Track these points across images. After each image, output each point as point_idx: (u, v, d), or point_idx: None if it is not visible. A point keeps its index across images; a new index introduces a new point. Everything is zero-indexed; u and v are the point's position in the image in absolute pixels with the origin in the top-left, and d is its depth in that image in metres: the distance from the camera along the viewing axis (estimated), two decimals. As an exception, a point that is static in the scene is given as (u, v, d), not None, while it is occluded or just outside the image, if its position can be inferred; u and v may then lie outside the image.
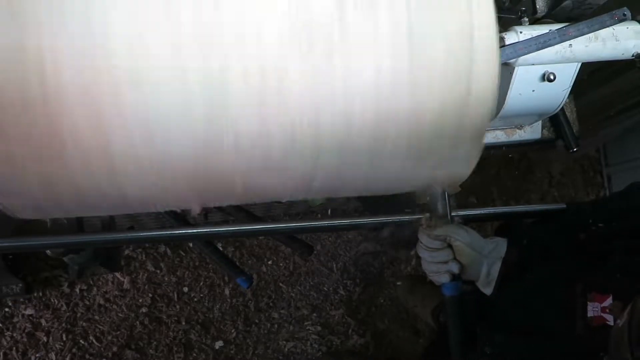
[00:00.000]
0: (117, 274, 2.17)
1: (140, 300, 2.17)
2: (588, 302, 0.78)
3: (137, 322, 2.14)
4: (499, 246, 1.01)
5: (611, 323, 0.74)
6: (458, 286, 1.02)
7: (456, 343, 1.04)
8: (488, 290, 1.01)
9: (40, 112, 0.63)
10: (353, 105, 0.69)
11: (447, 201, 1.05)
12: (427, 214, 1.04)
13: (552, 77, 1.00)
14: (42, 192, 0.70)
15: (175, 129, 0.66)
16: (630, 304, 0.63)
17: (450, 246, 1.00)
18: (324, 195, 0.87)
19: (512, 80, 1.00)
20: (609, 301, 0.77)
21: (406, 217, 1.08)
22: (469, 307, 1.07)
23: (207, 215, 1.86)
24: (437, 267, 1.02)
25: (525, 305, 0.93)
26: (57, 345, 2.06)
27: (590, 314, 0.78)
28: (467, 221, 1.10)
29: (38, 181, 0.68)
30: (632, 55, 0.98)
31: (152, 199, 0.76)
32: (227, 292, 2.24)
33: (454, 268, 1.00)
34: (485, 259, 1.00)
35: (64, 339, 2.07)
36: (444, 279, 1.01)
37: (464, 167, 0.82)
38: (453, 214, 1.06)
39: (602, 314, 0.77)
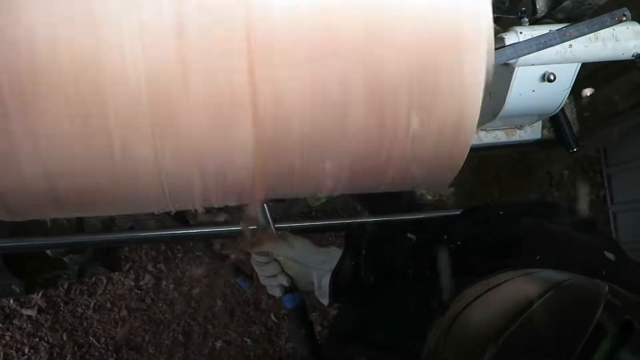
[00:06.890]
0: (117, 274, 2.17)
1: (140, 300, 2.17)
2: None
3: (137, 322, 2.14)
4: (333, 257, 0.99)
5: None
6: (297, 297, 1.02)
7: (304, 353, 1.04)
8: (325, 301, 1.00)
9: None
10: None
11: (267, 214, 1.02)
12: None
13: (552, 77, 0.99)
14: None
15: None
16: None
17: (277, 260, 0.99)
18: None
19: (512, 80, 1.00)
20: None
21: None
22: (342, 319, 1.06)
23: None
24: (268, 280, 1.01)
25: (384, 320, 0.89)
26: (57, 345, 2.06)
27: None
28: (291, 232, 1.07)
29: None
30: (632, 55, 0.97)
31: None
32: (227, 292, 2.24)
33: (284, 281, 1.00)
34: (315, 270, 0.99)
35: (64, 339, 2.07)
36: (277, 292, 1.02)
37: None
38: (277, 225, 1.04)
39: None
